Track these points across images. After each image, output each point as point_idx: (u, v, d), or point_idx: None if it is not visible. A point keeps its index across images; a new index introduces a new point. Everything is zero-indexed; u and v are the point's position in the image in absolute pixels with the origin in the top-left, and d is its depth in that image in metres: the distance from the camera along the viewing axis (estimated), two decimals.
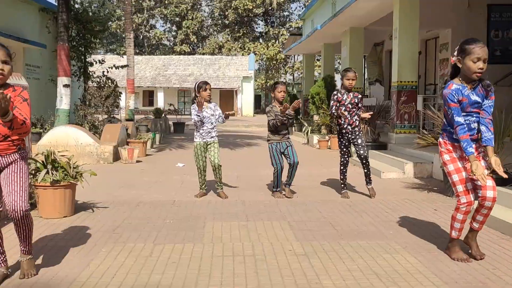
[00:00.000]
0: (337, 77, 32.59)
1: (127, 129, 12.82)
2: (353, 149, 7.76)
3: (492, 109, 4.09)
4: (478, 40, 4.01)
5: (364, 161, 6.96)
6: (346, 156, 7.12)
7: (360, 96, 7.10)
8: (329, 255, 4.28)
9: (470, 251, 4.25)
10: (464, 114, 4.03)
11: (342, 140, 7.06)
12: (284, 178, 7.11)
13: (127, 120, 17.51)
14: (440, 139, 4.27)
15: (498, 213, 5.21)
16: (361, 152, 6.91)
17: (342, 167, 7.13)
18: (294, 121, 6.95)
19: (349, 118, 6.95)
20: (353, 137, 6.98)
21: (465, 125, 3.96)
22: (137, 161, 10.96)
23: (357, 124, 6.98)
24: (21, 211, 3.54)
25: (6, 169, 3.62)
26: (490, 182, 4.03)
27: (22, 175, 3.62)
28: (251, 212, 6.01)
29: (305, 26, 23.98)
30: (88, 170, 6.02)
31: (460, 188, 4.10)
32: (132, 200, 6.66)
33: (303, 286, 3.56)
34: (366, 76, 21.12)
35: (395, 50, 11.21)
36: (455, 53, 4.08)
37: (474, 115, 4.06)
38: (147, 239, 4.80)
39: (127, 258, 4.19)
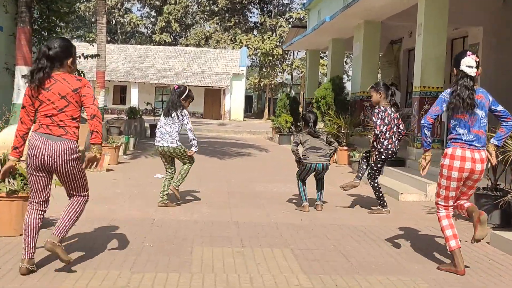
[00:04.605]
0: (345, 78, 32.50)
1: None
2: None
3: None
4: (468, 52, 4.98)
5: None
6: None
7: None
8: None
9: None
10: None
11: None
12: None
13: None
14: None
15: None
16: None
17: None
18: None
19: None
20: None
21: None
22: (108, 170, 10.83)
23: None
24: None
25: None
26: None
27: None
28: (246, 236, 5.92)
29: (310, 17, 24.04)
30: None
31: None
32: (104, 217, 6.54)
33: None
34: (380, 79, 21.17)
35: (418, 50, 11.21)
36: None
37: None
38: (123, 265, 4.69)
39: None
